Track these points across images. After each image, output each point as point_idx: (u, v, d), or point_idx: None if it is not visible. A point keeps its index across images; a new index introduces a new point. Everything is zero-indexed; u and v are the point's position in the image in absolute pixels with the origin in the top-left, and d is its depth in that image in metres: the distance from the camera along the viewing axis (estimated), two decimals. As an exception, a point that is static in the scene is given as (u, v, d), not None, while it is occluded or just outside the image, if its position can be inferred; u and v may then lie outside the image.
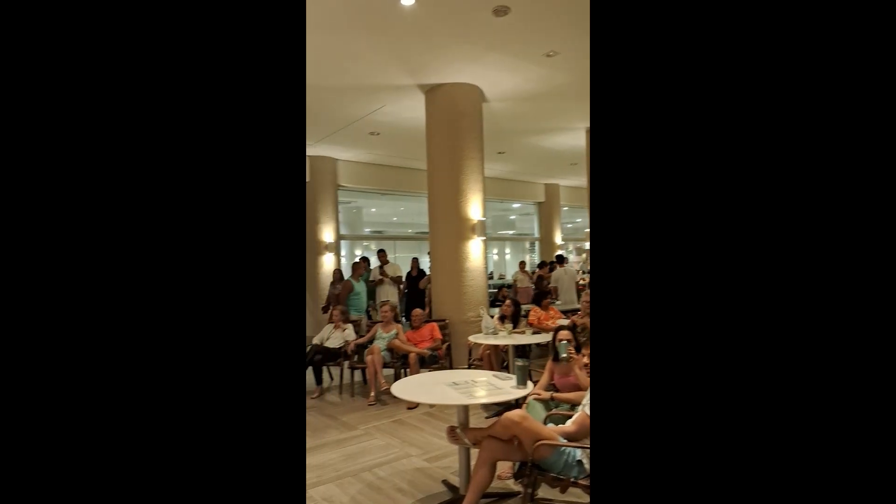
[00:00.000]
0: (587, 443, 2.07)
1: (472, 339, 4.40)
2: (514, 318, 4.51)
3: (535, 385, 2.70)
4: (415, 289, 6.78)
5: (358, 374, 4.86)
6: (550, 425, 2.31)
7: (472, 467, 2.28)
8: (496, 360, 4.30)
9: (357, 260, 6.75)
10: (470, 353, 4.66)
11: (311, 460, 3.04)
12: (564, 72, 4.81)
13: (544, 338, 4.26)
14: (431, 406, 3.96)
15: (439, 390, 2.50)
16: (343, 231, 8.59)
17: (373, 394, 4.27)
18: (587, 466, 2.01)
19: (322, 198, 7.95)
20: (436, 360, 4.52)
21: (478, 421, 3.52)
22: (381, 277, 6.68)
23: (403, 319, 6.02)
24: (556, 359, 2.85)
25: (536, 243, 11.69)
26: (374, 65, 4.58)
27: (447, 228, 5.15)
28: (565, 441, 2.09)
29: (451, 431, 2.39)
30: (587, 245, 10.91)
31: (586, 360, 2.88)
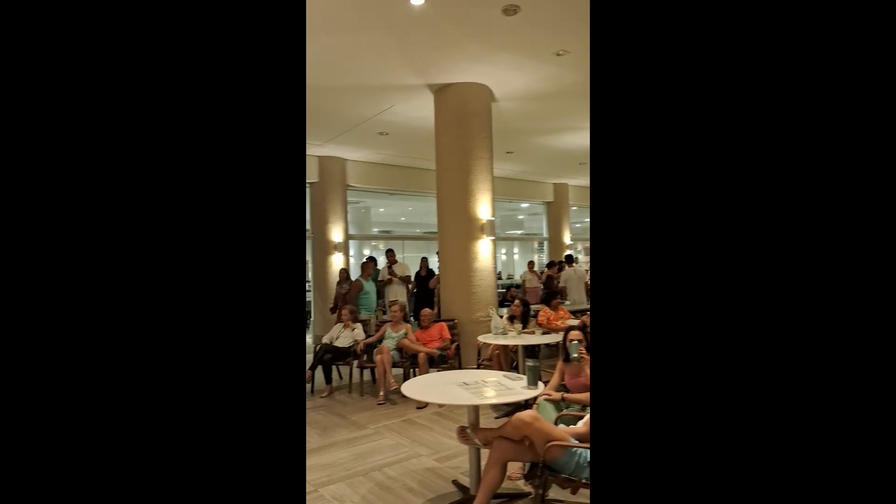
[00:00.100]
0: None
1: (482, 339, 4.39)
2: (524, 319, 4.50)
3: (545, 385, 2.69)
4: (424, 288, 6.79)
5: (367, 374, 4.87)
6: (561, 426, 2.30)
7: (482, 468, 2.28)
8: (505, 360, 4.29)
9: (365, 260, 6.78)
10: (479, 354, 4.65)
11: (321, 459, 3.06)
12: (574, 71, 4.78)
13: (554, 338, 4.25)
14: (441, 406, 3.96)
15: (450, 390, 2.50)
16: (352, 231, 8.61)
17: (382, 393, 4.27)
18: (599, 468, 2.00)
19: (331, 198, 7.98)
20: (445, 360, 4.51)
21: (487, 421, 3.51)
22: (389, 277, 6.70)
23: (412, 319, 6.03)
24: (567, 359, 2.83)
25: (545, 243, 11.65)
26: (384, 65, 4.59)
27: (456, 228, 5.15)
28: (576, 442, 2.08)
29: (462, 431, 2.38)
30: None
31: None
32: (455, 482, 2.67)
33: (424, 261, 6.98)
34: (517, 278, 10.95)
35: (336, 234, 8.00)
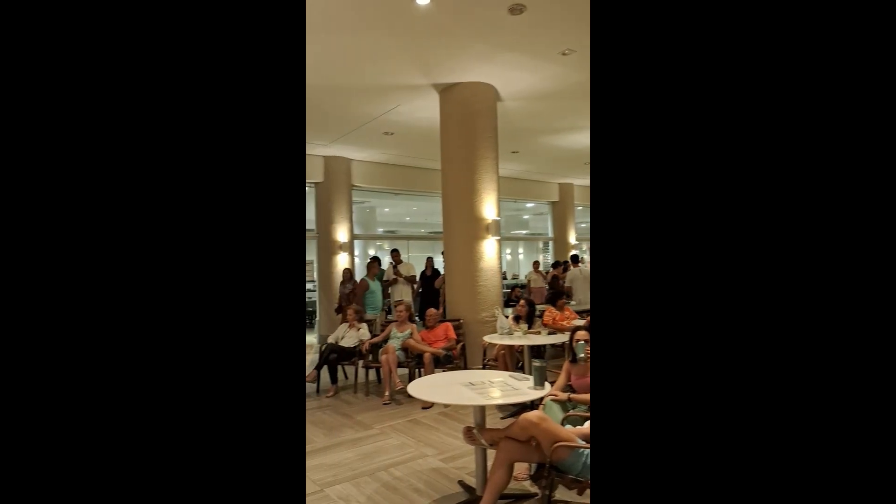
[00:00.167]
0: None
1: (487, 339, 4.39)
2: (529, 319, 4.49)
3: (551, 386, 2.68)
4: (429, 288, 6.79)
5: (372, 374, 4.87)
6: (568, 427, 2.29)
7: (488, 468, 2.27)
8: (511, 360, 4.28)
9: (370, 260, 6.80)
10: (484, 354, 4.64)
11: (326, 459, 3.06)
12: (580, 70, 4.77)
13: (559, 338, 4.23)
14: (446, 406, 3.95)
15: (456, 390, 2.49)
16: (356, 231, 8.63)
17: (387, 393, 4.27)
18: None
19: (336, 198, 7.99)
20: (450, 360, 4.51)
21: (493, 422, 3.50)
22: (394, 277, 6.70)
23: (417, 319, 6.03)
24: (574, 360, 2.82)
25: (550, 243, 11.62)
26: (389, 65, 4.59)
27: (461, 228, 5.14)
28: (583, 443, 2.07)
29: (468, 432, 2.38)
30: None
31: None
32: (461, 482, 2.66)
33: (430, 260, 6.98)
34: (522, 278, 10.93)
35: (341, 233, 8.01)
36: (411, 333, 4.62)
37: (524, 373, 3.51)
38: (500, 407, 3.79)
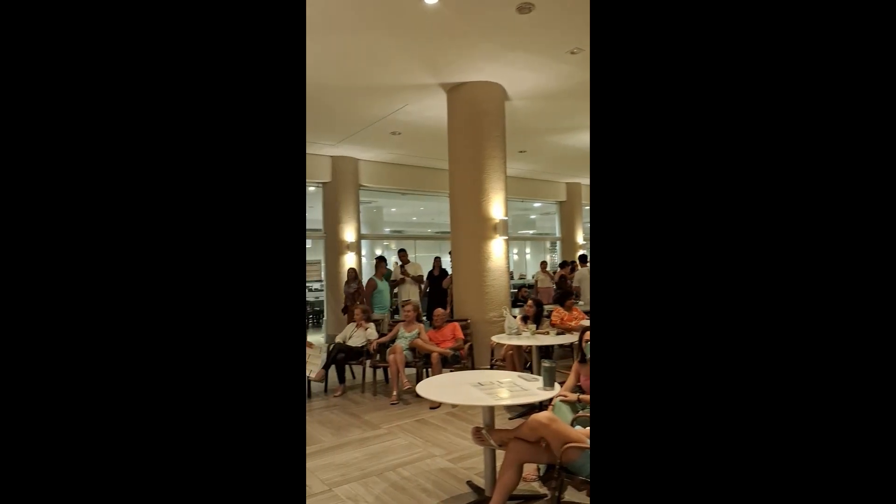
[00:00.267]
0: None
1: (495, 339, 4.37)
2: (537, 319, 4.47)
3: (560, 387, 2.66)
4: (437, 288, 6.79)
5: (380, 373, 4.87)
6: (578, 427, 2.27)
7: (497, 469, 2.26)
8: (519, 360, 4.27)
9: (377, 258, 6.83)
10: (492, 354, 4.63)
11: (334, 459, 3.06)
12: (588, 69, 4.72)
13: (568, 339, 4.21)
14: (454, 406, 3.94)
15: (465, 391, 2.49)
16: (363, 231, 8.64)
17: (395, 393, 4.27)
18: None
19: (344, 198, 8.01)
20: (458, 360, 4.50)
21: (501, 422, 3.49)
22: (402, 277, 6.71)
23: (425, 319, 6.03)
24: (583, 360, 2.80)
25: (558, 243, 11.59)
26: (397, 64, 4.59)
27: (469, 228, 5.13)
28: (594, 444, 2.05)
29: (477, 432, 2.37)
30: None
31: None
32: (469, 483, 2.65)
33: (437, 260, 6.98)
34: (529, 278, 10.91)
35: (349, 233, 8.03)
36: (419, 333, 4.62)
37: (532, 373, 3.50)
38: (508, 408, 3.78)
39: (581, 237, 11.05)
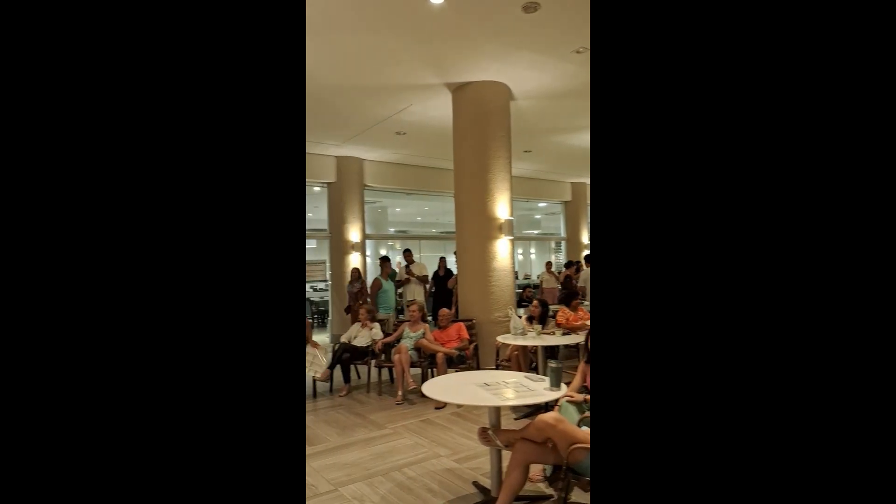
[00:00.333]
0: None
1: (501, 339, 4.36)
2: (542, 319, 4.46)
3: (567, 387, 2.65)
4: (442, 288, 6.78)
5: (385, 373, 4.87)
6: (584, 428, 2.26)
7: (503, 469, 2.25)
8: (524, 361, 4.26)
9: (381, 258, 6.84)
10: (497, 354, 4.62)
11: (340, 458, 3.06)
12: (594, 68, 4.73)
13: (573, 339, 4.20)
14: (459, 406, 3.94)
15: (471, 391, 2.48)
16: (368, 231, 8.65)
17: (400, 393, 4.27)
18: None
19: (349, 198, 8.02)
20: (463, 361, 4.50)
21: (506, 423, 3.48)
22: (407, 277, 6.71)
23: (430, 319, 6.04)
24: (591, 360, 2.79)
25: (563, 243, 11.57)
26: (402, 64, 4.59)
27: (474, 228, 5.12)
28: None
29: (483, 433, 2.36)
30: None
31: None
32: (475, 483, 2.65)
33: (443, 260, 6.98)
34: (534, 278, 10.88)
35: (353, 233, 8.04)
36: (424, 333, 4.62)
37: (537, 373, 3.49)
38: (514, 408, 3.77)
39: (586, 237, 11.02)
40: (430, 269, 7.13)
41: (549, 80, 5.05)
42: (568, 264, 8.80)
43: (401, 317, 6.55)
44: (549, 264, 9.06)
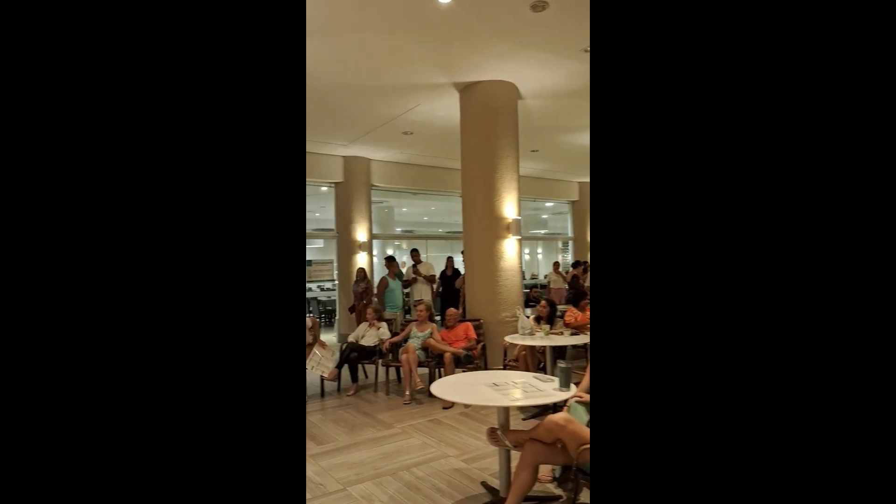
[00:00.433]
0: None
1: (509, 339, 4.35)
2: (550, 319, 4.44)
3: (576, 387, 2.64)
4: (449, 288, 6.78)
5: (393, 373, 4.88)
6: (594, 429, 2.25)
7: (512, 470, 2.24)
8: (532, 361, 4.25)
9: (386, 259, 6.86)
10: (505, 354, 4.61)
11: (348, 458, 3.07)
12: (603, 67, 4.70)
13: (582, 339, 4.18)
14: (467, 406, 3.93)
15: (480, 391, 2.47)
16: (375, 230, 8.66)
17: (408, 393, 4.27)
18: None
19: (356, 198, 8.03)
20: (471, 360, 4.49)
21: (514, 423, 3.47)
22: (414, 276, 6.72)
23: (438, 318, 6.04)
24: (598, 361, 2.77)
25: (570, 243, 11.53)
26: (409, 64, 4.59)
27: (481, 227, 5.12)
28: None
29: (492, 433, 2.36)
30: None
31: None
32: (484, 484, 2.64)
33: (450, 260, 6.98)
34: (541, 278, 10.86)
35: (361, 233, 8.05)
36: (431, 333, 4.61)
37: (545, 374, 3.48)
38: (521, 408, 3.76)
39: (594, 237, 10.98)
40: (437, 269, 7.13)
41: (556, 79, 5.03)
42: (575, 264, 8.77)
43: (408, 316, 6.55)
44: (556, 264, 9.04)
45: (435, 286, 6.89)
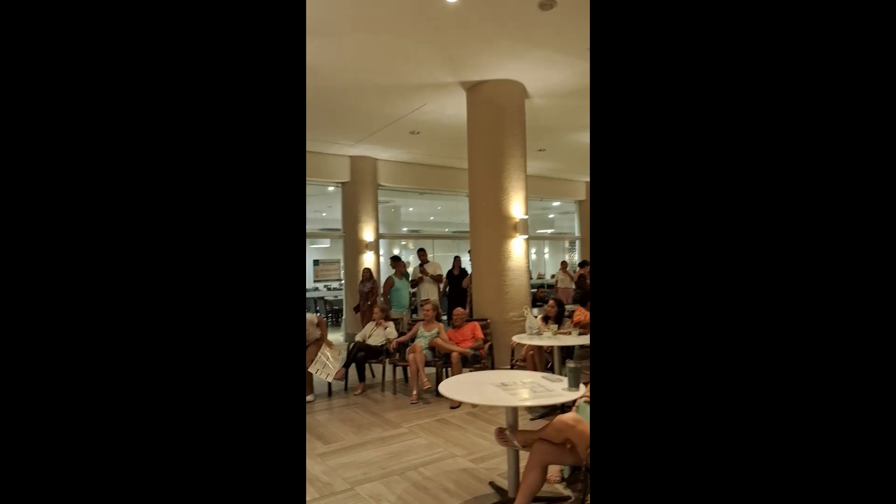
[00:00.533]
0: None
1: (516, 339, 4.34)
2: (558, 319, 4.42)
3: (585, 387, 2.62)
4: (456, 288, 6.78)
5: (400, 372, 4.88)
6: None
7: (520, 470, 2.23)
8: (540, 361, 4.23)
9: (391, 258, 6.87)
10: (513, 354, 4.59)
11: (356, 457, 3.07)
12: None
13: (589, 339, 4.15)
14: (474, 406, 3.92)
15: (488, 391, 2.46)
16: (381, 230, 8.67)
17: (415, 392, 4.27)
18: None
19: (363, 197, 8.04)
20: (478, 360, 4.48)
21: (522, 423, 3.45)
22: (421, 276, 6.72)
23: (445, 318, 6.03)
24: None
25: (577, 242, 11.49)
26: (417, 63, 4.58)
27: (489, 227, 5.10)
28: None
29: (500, 433, 2.35)
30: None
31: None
32: (492, 484, 2.63)
33: (457, 260, 6.98)
34: (548, 278, 10.83)
35: (367, 233, 8.06)
36: (438, 333, 4.61)
37: (553, 374, 3.46)
38: (529, 409, 3.75)
39: (601, 236, 10.93)
40: (444, 269, 7.13)
41: (564, 78, 5.00)
42: (582, 264, 8.74)
43: (415, 316, 6.55)
44: (564, 264, 9.01)
45: (442, 286, 6.89)
